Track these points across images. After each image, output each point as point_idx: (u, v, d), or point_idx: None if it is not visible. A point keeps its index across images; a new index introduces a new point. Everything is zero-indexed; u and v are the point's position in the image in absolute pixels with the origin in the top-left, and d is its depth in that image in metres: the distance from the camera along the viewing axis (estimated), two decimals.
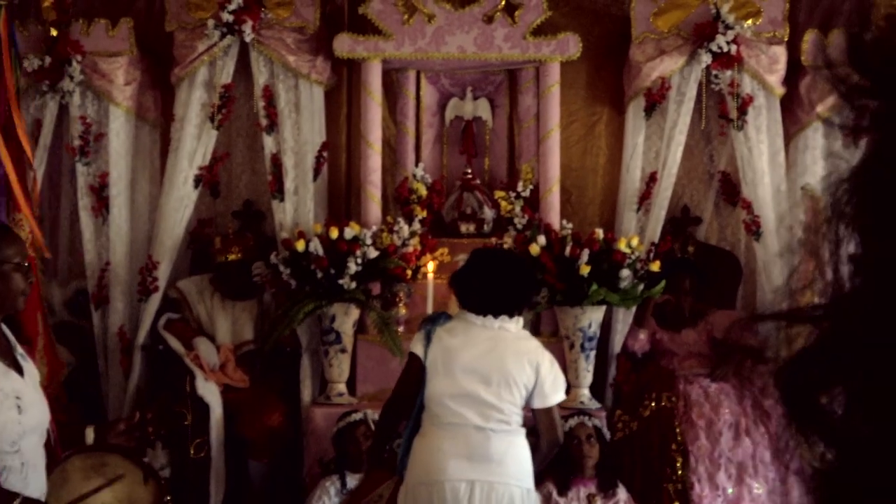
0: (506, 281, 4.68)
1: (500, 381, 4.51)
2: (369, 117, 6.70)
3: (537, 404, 4.57)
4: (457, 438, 4.50)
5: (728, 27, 6.57)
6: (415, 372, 4.58)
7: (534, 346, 4.66)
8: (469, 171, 7.12)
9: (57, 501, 3.93)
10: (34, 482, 3.70)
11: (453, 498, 4.44)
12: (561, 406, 6.17)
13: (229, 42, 6.70)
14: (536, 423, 4.65)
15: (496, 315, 4.60)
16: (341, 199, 7.17)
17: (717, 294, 6.91)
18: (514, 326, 4.63)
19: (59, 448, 4.24)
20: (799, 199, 6.39)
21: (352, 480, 5.73)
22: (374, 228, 6.44)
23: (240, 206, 7.28)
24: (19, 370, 3.78)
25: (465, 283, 4.76)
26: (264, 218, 7.21)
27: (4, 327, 3.79)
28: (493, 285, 4.66)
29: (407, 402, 4.62)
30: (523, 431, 4.60)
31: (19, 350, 3.88)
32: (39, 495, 3.71)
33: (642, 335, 6.65)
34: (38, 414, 3.79)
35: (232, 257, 6.65)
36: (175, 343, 6.47)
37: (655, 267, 6.32)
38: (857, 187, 1.04)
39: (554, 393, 4.60)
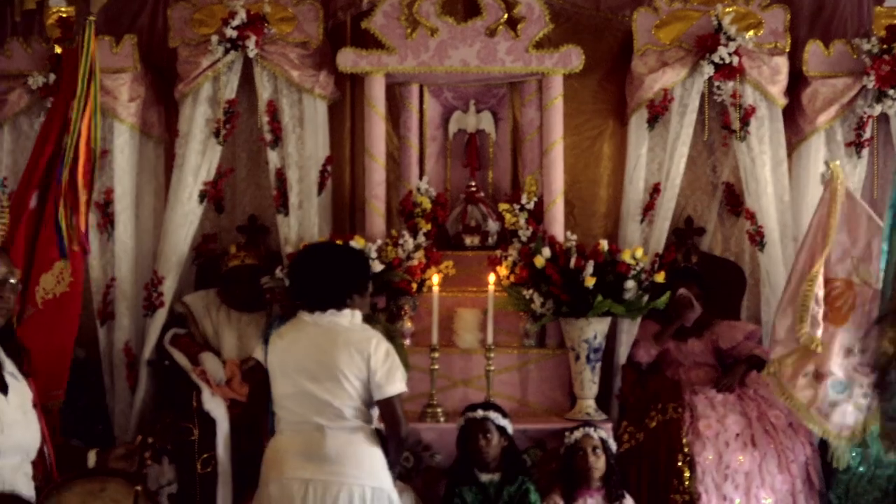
0: (323, 273, 4.70)
1: (329, 376, 4.52)
2: (373, 131, 6.72)
3: (375, 396, 4.54)
4: (297, 438, 4.57)
5: (730, 39, 6.60)
6: (258, 378, 4.74)
7: (365, 336, 4.61)
8: (473, 183, 7.14)
9: None
10: None
11: (288, 496, 4.49)
12: (563, 417, 6.25)
13: (233, 58, 6.72)
14: (381, 416, 4.66)
15: (323, 309, 4.63)
16: (345, 212, 7.21)
17: (722, 304, 6.91)
18: (345, 319, 4.63)
19: (56, 471, 4.22)
20: (822, 178, 6.34)
21: None
22: (379, 242, 6.46)
23: (244, 220, 7.29)
24: (4, 389, 3.78)
25: (292, 280, 4.87)
26: (269, 233, 7.23)
27: None
28: (312, 279, 4.70)
29: (257, 409, 4.73)
30: (367, 428, 4.60)
31: (8, 368, 3.87)
32: None
33: (651, 348, 6.65)
34: (18, 434, 3.78)
35: (243, 262, 6.69)
36: (181, 358, 6.47)
37: (660, 278, 6.33)
38: None
39: (388, 384, 4.54)
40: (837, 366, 5.87)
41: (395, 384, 4.56)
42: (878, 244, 5.78)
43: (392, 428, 4.60)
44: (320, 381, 4.52)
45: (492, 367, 6.17)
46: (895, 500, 5.86)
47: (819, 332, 5.81)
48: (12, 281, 3.96)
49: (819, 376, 5.88)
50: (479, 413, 5.60)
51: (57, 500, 4.08)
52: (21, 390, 3.87)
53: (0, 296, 3.93)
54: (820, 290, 5.84)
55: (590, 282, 6.11)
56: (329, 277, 4.68)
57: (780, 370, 5.93)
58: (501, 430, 5.57)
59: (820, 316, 5.82)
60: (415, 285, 6.44)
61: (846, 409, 5.84)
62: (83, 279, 5.85)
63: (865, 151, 6.78)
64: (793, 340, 5.90)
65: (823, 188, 6.03)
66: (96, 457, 4.27)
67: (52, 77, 6.65)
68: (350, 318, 4.65)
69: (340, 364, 4.51)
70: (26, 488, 3.81)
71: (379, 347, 4.57)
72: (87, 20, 5.74)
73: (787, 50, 6.80)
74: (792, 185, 6.82)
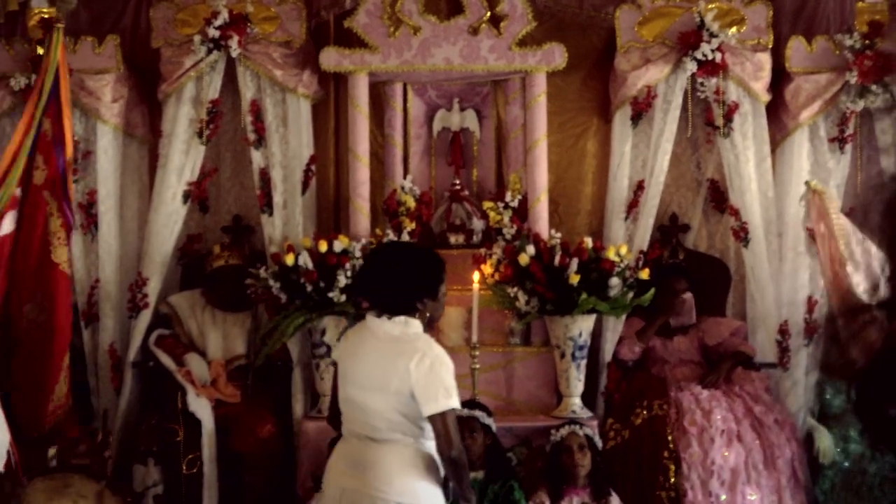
0: (380, 277, 4.39)
1: (371, 386, 4.27)
2: (356, 130, 6.69)
3: (422, 412, 4.22)
4: (346, 444, 4.43)
5: (712, 35, 6.60)
6: (336, 377, 4.50)
7: (410, 349, 4.25)
8: (457, 182, 7.14)
9: None
10: None
11: (329, 502, 4.36)
12: (549, 415, 6.22)
13: (216, 57, 6.71)
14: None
15: (380, 314, 4.33)
16: (330, 212, 7.19)
17: (708, 301, 6.91)
18: (397, 328, 4.30)
19: (21, 469, 4.22)
20: (803, 195, 6.46)
21: None
22: (363, 241, 6.43)
23: (229, 221, 7.28)
24: None
25: (356, 281, 4.72)
26: (253, 232, 7.21)
27: None
28: (371, 281, 4.43)
29: (335, 407, 4.52)
30: (407, 441, 4.29)
31: None
32: None
33: (634, 345, 6.65)
34: None
35: (226, 262, 6.68)
36: (166, 359, 6.46)
37: (645, 275, 6.33)
38: None
39: (430, 401, 4.19)
40: None
41: (438, 401, 4.18)
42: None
43: (439, 447, 4.27)
44: (364, 390, 4.29)
45: (477, 366, 6.15)
46: (880, 494, 5.88)
47: None
48: None
49: None
50: (465, 412, 5.59)
51: (22, 498, 4.08)
52: None
53: None
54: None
55: (574, 279, 6.11)
56: (388, 284, 4.35)
57: None
58: (486, 428, 5.57)
59: None
60: None
61: None
62: (66, 299, 5.92)
63: (849, 147, 6.79)
64: None
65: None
66: (57, 454, 4.27)
67: (35, 78, 6.62)
68: (402, 327, 4.30)
69: (379, 375, 4.25)
70: None
71: (422, 362, 4.20)
72: (56, 27, 5.78)
73: (770, 46, 6.81)
74: (776, 181, 6.82)
